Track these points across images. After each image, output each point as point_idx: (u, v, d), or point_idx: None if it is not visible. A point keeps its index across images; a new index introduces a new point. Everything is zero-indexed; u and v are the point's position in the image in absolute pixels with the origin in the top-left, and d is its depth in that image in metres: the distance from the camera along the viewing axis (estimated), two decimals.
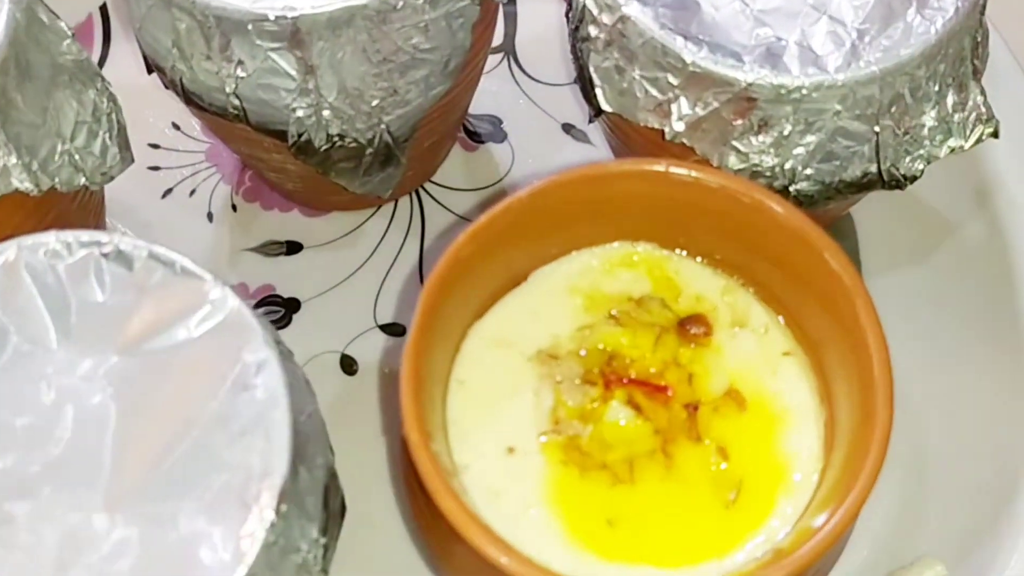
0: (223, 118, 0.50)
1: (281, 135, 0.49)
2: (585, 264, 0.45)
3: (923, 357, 0.51)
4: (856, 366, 0.39)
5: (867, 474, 0.36)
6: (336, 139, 0.49)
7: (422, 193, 0.59)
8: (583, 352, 0.43)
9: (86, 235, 0.40)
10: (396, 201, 0.59)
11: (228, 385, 0.38)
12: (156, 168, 0.60)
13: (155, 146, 0.60)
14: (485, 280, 0.43)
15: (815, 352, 0.42)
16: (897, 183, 0.46)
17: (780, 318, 0.43)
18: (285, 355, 0.41)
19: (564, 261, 0.45)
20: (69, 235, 0.40)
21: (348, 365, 0.54)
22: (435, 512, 0.38)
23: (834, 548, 0.38)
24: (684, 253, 0.45)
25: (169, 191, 0.59)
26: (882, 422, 0.37)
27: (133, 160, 0.50)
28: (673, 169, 0.42)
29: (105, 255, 0.40)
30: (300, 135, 0.49)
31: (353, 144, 0.49)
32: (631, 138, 0.48)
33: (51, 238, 0.40)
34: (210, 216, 0.58)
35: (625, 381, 0.42)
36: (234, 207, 0.59)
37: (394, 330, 0.55)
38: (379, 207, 0.58)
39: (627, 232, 0.45)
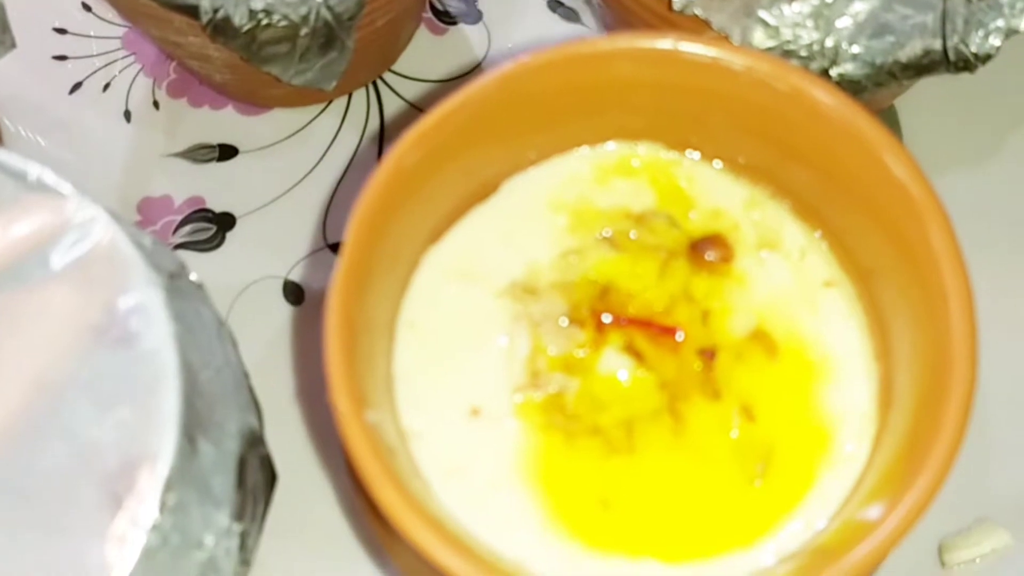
0: None
1: (193, 11, 0.40)
2: (571, 171, 0.36)
3: (983, 286, 0.42)
4: (924, 304, 0.30)
5: (940, 455, 0.28)
6: (261, 16, 0.40)
7: (380, 85, 0.51)
8: (568, 285, 0.34)
9: None
10: (350, 95, 0.51)
11: (97, 338, 0.29)
12: (62, 57, 0.52)
13: (61, 31, 0.53)
14: (440, 194, 0.34)
15: (866, 283, 0.34)
16: (966, 64, 0.38)
17: (821, 239, 0.35)
18: (185, 293, 0.32)
19: (544, 168, 0.36)
20: None
21: (293, 293, 0.47)
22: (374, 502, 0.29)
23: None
24: (697, 156, 0.36)
25: (78, 85, 0.51)
26: (961, 384, 0.28)
27: (13, 45, 0.42)
28: (683, 46, 0.32)
29: None
30: (215, 11, 0.40)
31: (283, 22, 0.41)
32: (631, 11, 0.40)
33: None
34: (128, 115, 0.50)
35: (623, 321, 0.33)
36: (156, 104, 0.51)
37: None
38: (329, 103, 0.50)
39: (624, 130, 0.36)
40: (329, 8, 0.41)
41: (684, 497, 0.32)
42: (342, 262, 0.30)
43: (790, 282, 0.34)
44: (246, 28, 0.40)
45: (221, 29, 0.40)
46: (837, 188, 0.33)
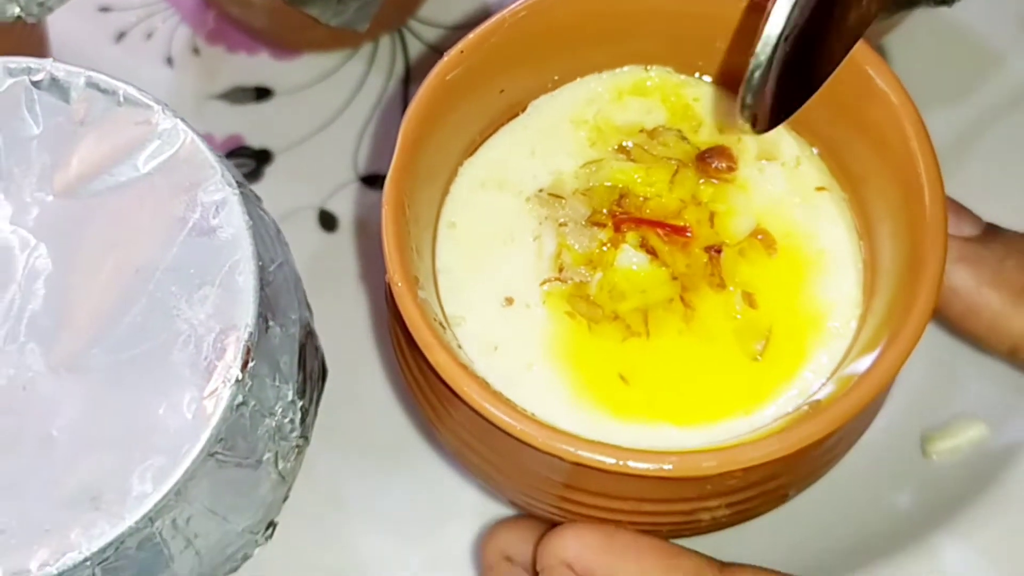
0: None
1: None
2: (591, 92, 0.40)
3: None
4: (904, 200, 0.34)
5: (916, 316, 0.32)
6: None
7: (405, 32, 0.54)
8: (589, 191, 0.38)
9: (14, 61, 0.35)
10: (377, 41, 0.54)
11: (183, 229, 0.33)
12: (107, 9, 0.55)
13: None
14: (476, 110, 0.38)
15: (855, 187, 0.38)
16: None
17: (814, 150, 0.39)
18: (250, 198, 0.36)
19: (566, 89, 0.40)
20: None
21: (327, 221, 0.50)
22: (425, 369, 0.34)
23: (876, 400, 0.34)
24: (705, 78, 0.39)
25: (123, 35, 0.54)
26: (934, 261, 0.32)
27: None
28: None
29: (36, 83, 0.35)
30: None
31: None
32: None
33: None
34: (169, 61, 0.54)
35: (639, 222, 0.37)
36: (196, 50, 0.54)
37: (377, 183, 0.51)
38: (357, 48, 0.53)
39: (639, 54, 0.40)
40: None
41: (694, 372, 0.36)
42: (395, 162, 0.34)
43: (786, 188, 0.38)
44: None
45: None
46: (828, 103, 0.37)
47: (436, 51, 0.53)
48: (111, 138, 0.34)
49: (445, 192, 0.38)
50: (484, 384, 0.32)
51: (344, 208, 0.50)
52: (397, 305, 0.33)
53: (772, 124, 0.34)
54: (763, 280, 0.37)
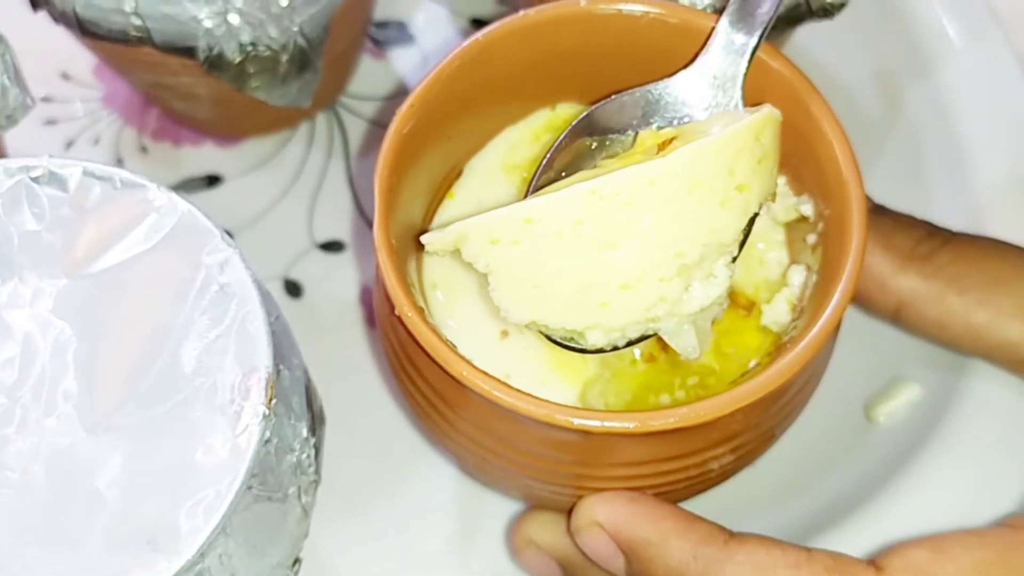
0: (125, 44, 0.47)
1: (190, 52, 0.47)
2: (512, 140, 0.44)
3: None
4: (815, 157, 0.39)
5: (856, 254, 0.36)
6: (249, 48, 0.47)
7: (339, 109, 0.58)
8: None
9: (12, 162, 0.38)
10: (313, 120, 0.58)
11: (194, 290, 0.36)
12: (53, 122, 0.58)
13: (47, 99, 0.58)
14: (432, 158, 0.42)
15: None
16: (825, 12, 0.46)
17: None
18: (245, 259, 0.39)
19: (491, 145, 0.44)
20: None
21: (293, 288, 0.53)
22: (442, 385, 0.37)
23: (835, 336, 0.38)
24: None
25: (72, 142, 0.57)
26: (857, 201, 0.37)
27: (34, 102, 0.48)
28: (599, 7, 0.41)
29: (36, 179, 0.37)
30: (211, 49, 0.47)
31: (267, 52, 0.48)
32: None
33: None
34: (120, 162, 0.57)
35: None
36: (144, 149, 0.57)
37: (334, 247, 0.54)
38: (296, 128, 0.57)
39: (546, 97, 0.44)
40: (304, 36, 0.48)
41: None
42: (377, 211, 0.37)
43: None
44: (237, 60, 0.48)
45: (216, 64, 0.47)
46: None
47: (372, 123, 0.58)
48: (113, 219, 0.37)
49: (419, 257, 0.41)
50: (505, 383, 0.35)
51: (308, 275, 0.54)
52: (411, 333, 0.36)
53: None
54: None
